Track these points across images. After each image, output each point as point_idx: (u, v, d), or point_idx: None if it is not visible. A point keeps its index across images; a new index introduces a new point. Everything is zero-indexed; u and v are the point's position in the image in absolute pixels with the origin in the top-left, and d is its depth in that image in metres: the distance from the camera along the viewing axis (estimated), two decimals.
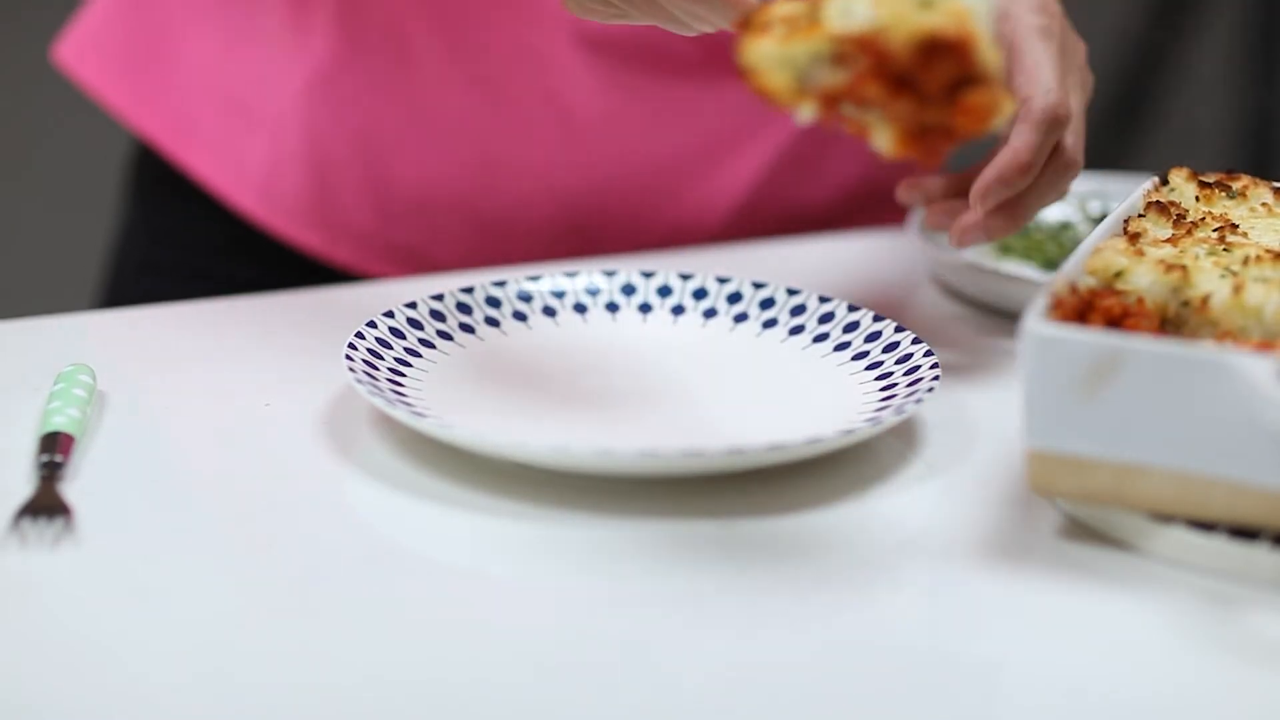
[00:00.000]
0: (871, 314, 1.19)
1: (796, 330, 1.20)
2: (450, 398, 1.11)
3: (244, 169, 1.46)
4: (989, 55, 0.83)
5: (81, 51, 1.54)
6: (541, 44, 1.40)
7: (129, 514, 1.01)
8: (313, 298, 1.36)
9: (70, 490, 1.02)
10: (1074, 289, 1.03)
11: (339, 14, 1.41)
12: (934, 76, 0.83)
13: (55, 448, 1.04)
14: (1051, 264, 1.41)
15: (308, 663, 0.90)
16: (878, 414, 1.07)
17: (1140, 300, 1.02)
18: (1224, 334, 1.01)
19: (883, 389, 1.12)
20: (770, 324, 1.21)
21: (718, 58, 1.44)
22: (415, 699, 0.87)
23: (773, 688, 0.89)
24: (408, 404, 1.07)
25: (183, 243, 1.52)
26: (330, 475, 1.06)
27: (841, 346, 1.18)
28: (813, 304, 1.21)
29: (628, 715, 0.87)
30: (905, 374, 1.12)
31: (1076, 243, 1.43)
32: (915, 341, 1.15)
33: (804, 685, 0.90)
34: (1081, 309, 1.01)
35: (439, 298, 1.18)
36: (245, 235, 1.48)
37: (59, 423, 1.05)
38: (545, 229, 1.45)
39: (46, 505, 0.99)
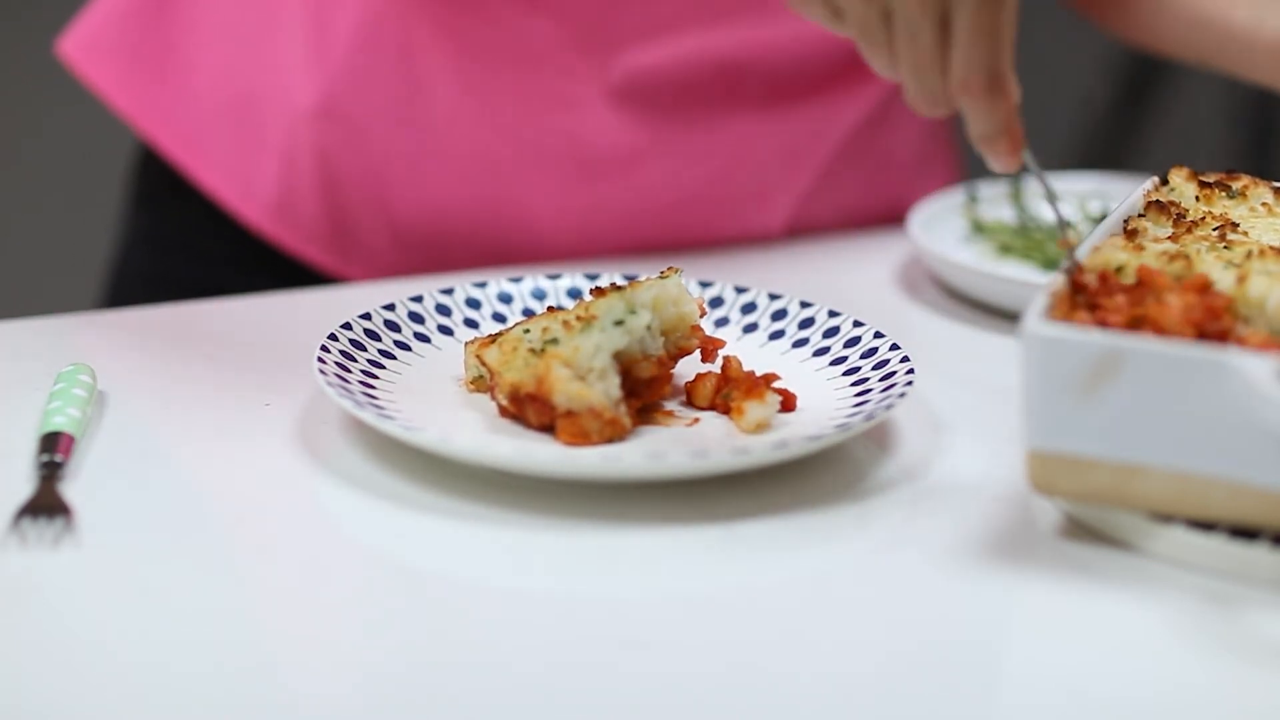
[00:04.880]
0: (852, 319, 1.18)
1: (777, 335, 1.20)
2: (444, 406, 1.11)
3: (256, 187, 1.45)
4: (572, 394, 1.05)
5: (89, 48, 1.51)
6: (571, 93, 1.39)
7: (129, 514, 1.01)
8: (317, 297, 1.36)
9: (70, 490, 1.01)
10: None
11: (354, 41, 1.41)
12: (531, 415, 1.07)
13: (55, 448, 1.04)
14: (1051, 264, 1.41)
15: (308, 662, 0.90)
16: (872, 411, 1.07)
17: None
18: None
19: (858, 393, 1.12)
20: (751, 329, 1.21)
21: (741, 95, 1.43)
22: (420, 698, 0.88)
23: (773, 688, 0.89)
24: (388, 416, 1.07)
25: (190, 254, 1.51)
26: (333, 475, 1.06)
27: (821, 351, 1.17)
28: (794, 309, 1.21)
29: (628, 715, 0.87)
30: (881, 379, 1.12)
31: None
32: (893, 348, 1.14)
33: (804, 685, 0.90)
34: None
35: (418, 299, 1.19)
36: (257, 248, 1.47)
37: (59, 423, 1.05)
38: (561, 261, 1.44)
39: (46, 505, 0.99)
